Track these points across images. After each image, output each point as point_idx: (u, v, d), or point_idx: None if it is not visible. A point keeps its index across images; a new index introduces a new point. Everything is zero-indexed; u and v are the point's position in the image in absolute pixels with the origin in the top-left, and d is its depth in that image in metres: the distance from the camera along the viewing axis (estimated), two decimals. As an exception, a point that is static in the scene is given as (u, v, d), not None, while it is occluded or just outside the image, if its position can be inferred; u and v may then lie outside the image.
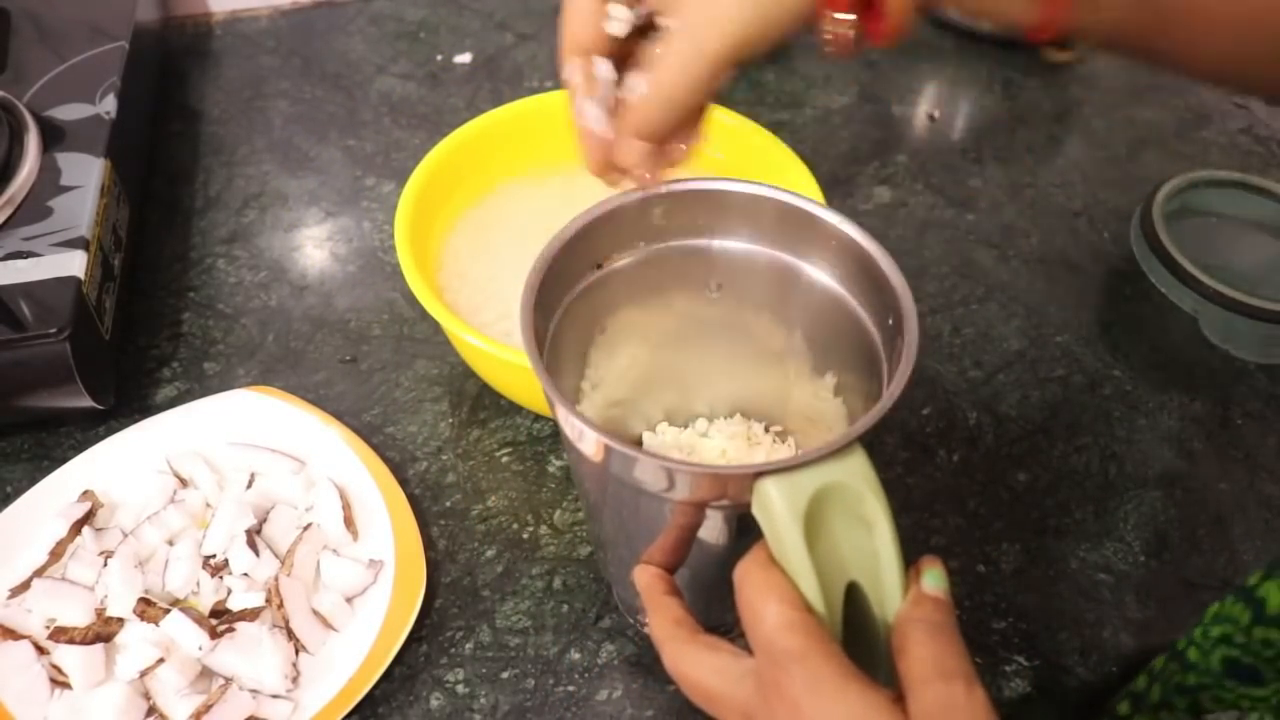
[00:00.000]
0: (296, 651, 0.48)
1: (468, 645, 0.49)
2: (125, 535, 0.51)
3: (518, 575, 0.52)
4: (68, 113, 0.62)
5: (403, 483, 0.53)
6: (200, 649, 0.46)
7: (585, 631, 0.50)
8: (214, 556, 0.50)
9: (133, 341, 0.61)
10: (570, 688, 0.48)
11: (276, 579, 0.49)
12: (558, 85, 0.79)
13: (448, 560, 0.52)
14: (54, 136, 0.60)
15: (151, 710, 0.46)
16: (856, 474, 0.33)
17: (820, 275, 0.42)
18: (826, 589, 0.32)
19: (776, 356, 0.47)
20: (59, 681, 0.46)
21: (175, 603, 0.49)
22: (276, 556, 0.50)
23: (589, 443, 0.36)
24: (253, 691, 0.46)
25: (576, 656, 0.49)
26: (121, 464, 0.54)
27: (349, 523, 0.52)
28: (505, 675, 0.48)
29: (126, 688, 0.45)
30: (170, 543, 0.51)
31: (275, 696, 0.46)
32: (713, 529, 0.38)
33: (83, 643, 0.47)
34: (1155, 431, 0.59)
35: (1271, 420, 0.60)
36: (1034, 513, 0.55)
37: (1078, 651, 0.50)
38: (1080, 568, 0.53)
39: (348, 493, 0.53)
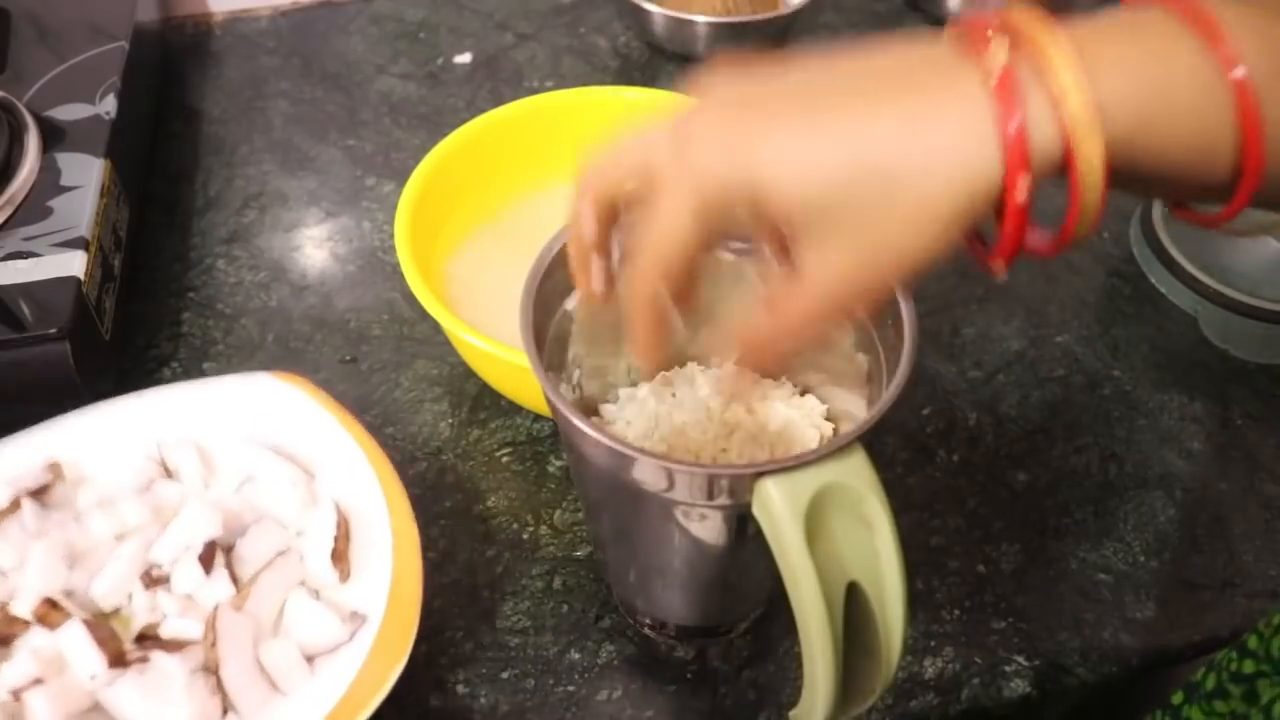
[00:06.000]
0: (224, 711, 0.37)
1: (468, 645, 0.49)
2: (76, 519, 0.43)
3: (518, 575, 0.52)
4: (68, 113, 0.62)
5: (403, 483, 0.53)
6: (93, 677, 0.36)
7: (585, 632, 0.50)
8: (158, 567, 0.41)
9: (133, 341, 0.61)
10: (570, 688, 0.48)
11: (216, 611, 0.38)
12: (558, 85, 0.80)
13: (448, 560, 0.52)
14: (54, 136, 0.60)
15: None
16: (857, 474, 0.33)
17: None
18: (827, 589, 0.32)
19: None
20: None
21: (99, 615, 0.40)
22: (236, 582, 0.41)
23: (588, 442, 0.36)
24: None
25: (576, 657, 0.49)
26: (106, 435, 0.46)
27: (339, 557, 0.43)
28: (505, 675, 0.48)
29: (4, 705, 0.37)
30: (121, 539, 0.42)
31: None
32: (713, 529, 0.38)
33: None
34: (1155, 432, 0.59)
35: (1271, 420, 0.60)
36: (1034, 513, 0.55)
37: (1078, 652, 0.50)
38: (1080, 568, 0.53)
39: (350, 521, 0.44)
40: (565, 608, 0.50)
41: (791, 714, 0.37)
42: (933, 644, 0.49)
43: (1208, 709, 0.44)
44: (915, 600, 0.50)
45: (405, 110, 0.77)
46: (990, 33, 0.27)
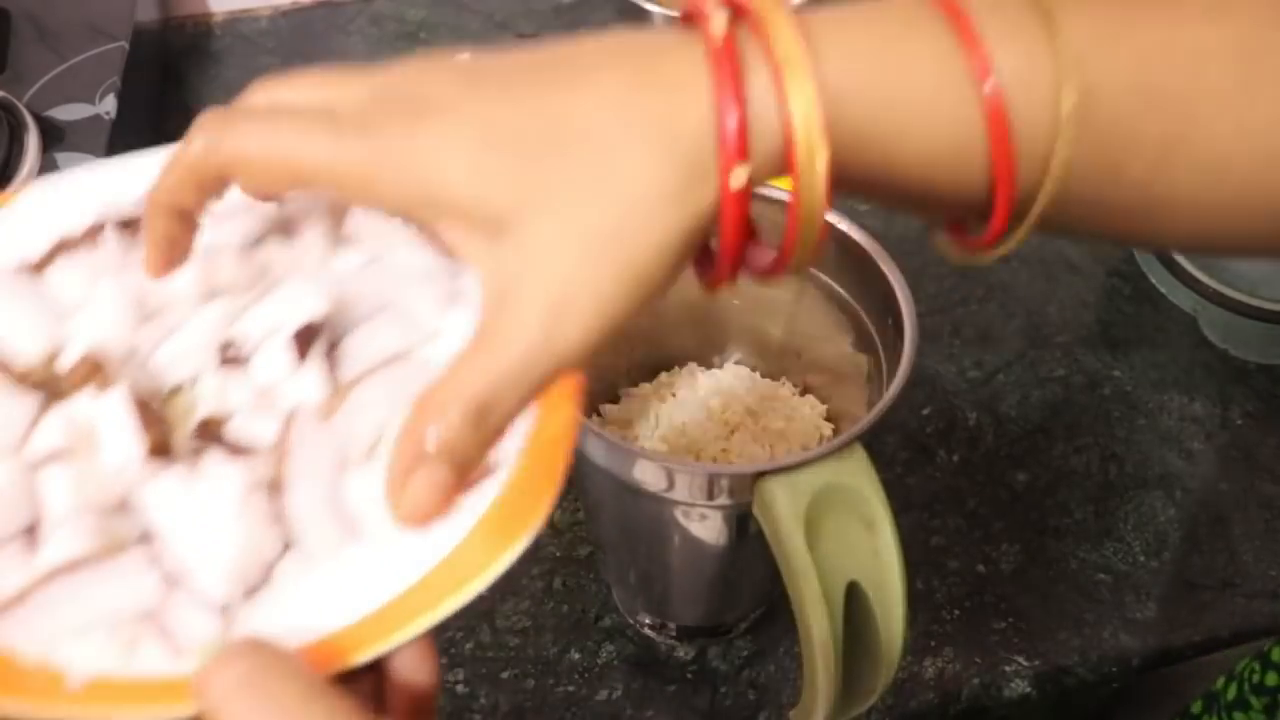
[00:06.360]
0: (284, 547, 0.27)
1: (468, 645, 0.49)
2: None
3: (518, 575, 0.52)
4: (68, 113, 0.62)
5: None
6: (124, 465, 0.27)
7: (585, 631, 0.50)
8: (239, 345, 0.30)
9: (133, 341, 0.61)
10: (570, 688, 0.48)
11: (292, 417, 0.28)
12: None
13: (448, 560, 0.52)
14: (54, 136, 0.60)
15: (31, 530, 0.26)
16: (857, 474, 0.33)
17: (820, 275, 0.42)
18: (827, 589, 0.32)
19: (778, 346, 0.47)
20: None
21: (156, 396, 0.29)
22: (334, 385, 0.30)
23: (589, 443, 0.36)
24: (169, 577, 0.26)
25: (576, 656, 0.49)
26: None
27: None
28: (505, 675, 0.48)
29: (16, 476, 0.27)
30: (209, 300, 0.31)
31: (198, 600, 0.26)
32: (713, 529, 0.38)
33: (15, 385, 0.29)
34: (1155, 432, 0.59)
35: (1271, 420, 0.60)
36: (1034, 513, 0.55)
37: (1077, 652, 0.50)
38: (1080, 568, 0.53)
39: None
40: (565, 608, 0.50)
41: (792, 714, 0.37)
42: (933, 644, 0.49)
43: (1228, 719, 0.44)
44: (915, 600, 0.50)
45: (405, 110, 0.77)
46: (710, 4, 0.24)
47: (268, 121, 0.25)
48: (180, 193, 0.26)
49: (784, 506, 0.33)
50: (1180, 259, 0.64)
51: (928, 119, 0.24)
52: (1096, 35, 0.24)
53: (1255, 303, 0.61)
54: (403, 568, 0.27)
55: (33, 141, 0.59)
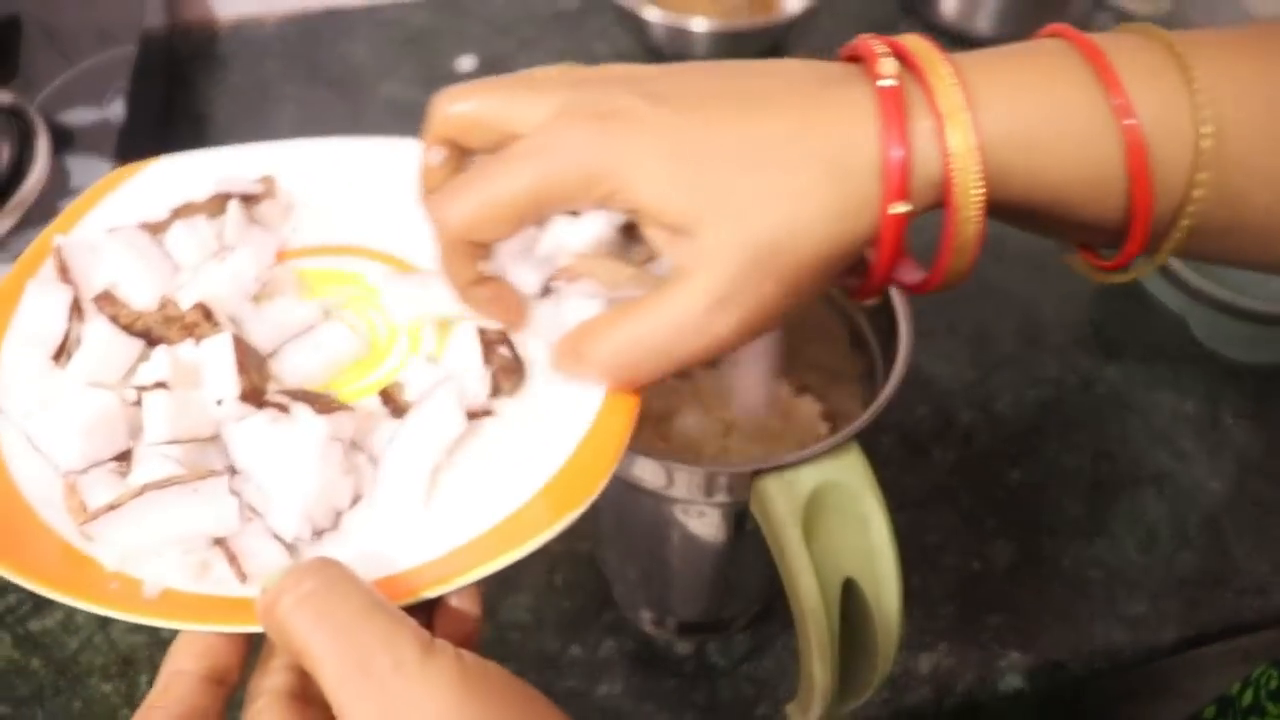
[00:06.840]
0: (353, 501, 0.29)
1: (472, 641, 0.50)
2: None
3: (519, 571, 0.52)
4: (77, 117, 0.63)
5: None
6: (219, 402, 0.29)
7: (586, 627, 0.50)
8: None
9: (141, 343, 0.62)
10: (571, 683, 0.49)
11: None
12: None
13: (452, 557, 0.53)
14: (63, 140, 0.61)
15: (124, 456, 0.29)
16: (853, 472, 0.34)
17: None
18: (824, 586, 0.33)
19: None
20: (63, 350, 0.31)
21: (256, 353, 0.32)
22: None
23: (591, 442, 0.36)
24: (249, 509, 0.28)
25: (577, 652, 0.49)
26: (337, 168, 0.39)
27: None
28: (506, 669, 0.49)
29: (117, 406, 0.29)
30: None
31: (271, 534, 0.28)
32: (711, 526, 0.39)
33: (124, 328, 0.32)
34: (1146, 431, 0.60)
35: (1260, 419, 0.60)
36: (1027, 510, 0.56)
37: (1070, 647, 0.50)
38: (1072, 565, 0.53)
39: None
40: (566, 603, 0.51)
41: (789, 708, 0.38)
42: (928, 639, 0.50)
43: None
44: (910, 596, 0.51)
45: (410, 115, 0.78)
46: (879, 50, 0.27)
47: (475, 185, 0.28)
48: (461, 271, 0.30)
49: (781, 504, 0.33)
50: (1170, 260, 0.65)
51: (1071, 156, 0.27)
52: (1228, 78, 0.26)
53: (1243, 303, 0.62)
54: (462, 528, 0.30)
55: (43, 145, 0.59)
